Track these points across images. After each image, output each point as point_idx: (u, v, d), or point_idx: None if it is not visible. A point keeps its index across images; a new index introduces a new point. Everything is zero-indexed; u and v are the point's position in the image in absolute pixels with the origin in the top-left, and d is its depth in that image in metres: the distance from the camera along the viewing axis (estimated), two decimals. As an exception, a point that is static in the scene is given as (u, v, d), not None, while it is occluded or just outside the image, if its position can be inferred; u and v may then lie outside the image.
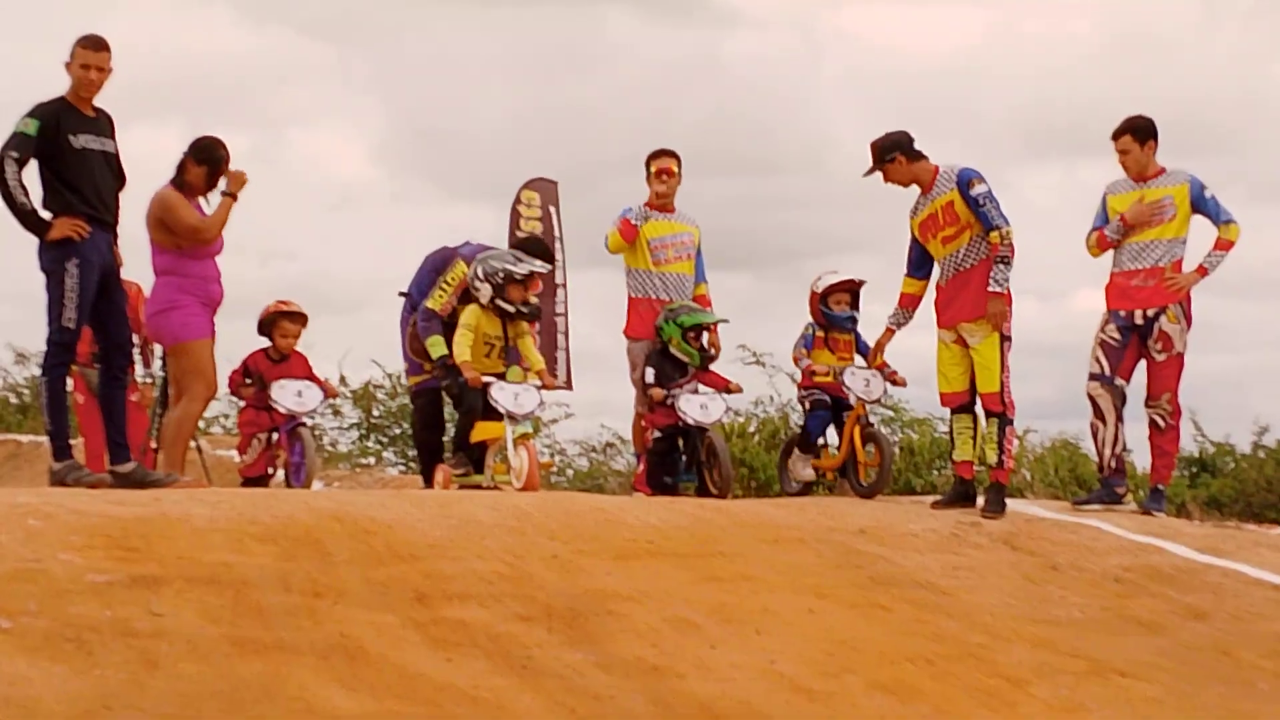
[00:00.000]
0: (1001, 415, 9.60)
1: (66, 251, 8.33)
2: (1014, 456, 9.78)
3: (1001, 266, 9.52)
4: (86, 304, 8.42)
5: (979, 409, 9.84)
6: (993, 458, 9.60)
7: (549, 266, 10.72)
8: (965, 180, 9.61)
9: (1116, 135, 10.15)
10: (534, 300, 10.53)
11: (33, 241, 8.42)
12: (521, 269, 10.25)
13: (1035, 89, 43.22)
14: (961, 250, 9.67)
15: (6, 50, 44.13)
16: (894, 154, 9.69)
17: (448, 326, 10.46)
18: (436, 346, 10.39)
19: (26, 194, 8.29)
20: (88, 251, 8.39)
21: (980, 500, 9.64)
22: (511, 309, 10.27)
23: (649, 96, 42.85)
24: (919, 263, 10.03)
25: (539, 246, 11.14)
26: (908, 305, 10.22)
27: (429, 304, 10.54)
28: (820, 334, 11.04)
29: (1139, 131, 10.08)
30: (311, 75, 46.30)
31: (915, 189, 9.87)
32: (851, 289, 11.04)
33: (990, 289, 9.51)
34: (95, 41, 8.56)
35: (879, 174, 9.79)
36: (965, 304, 9.64)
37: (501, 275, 10.20)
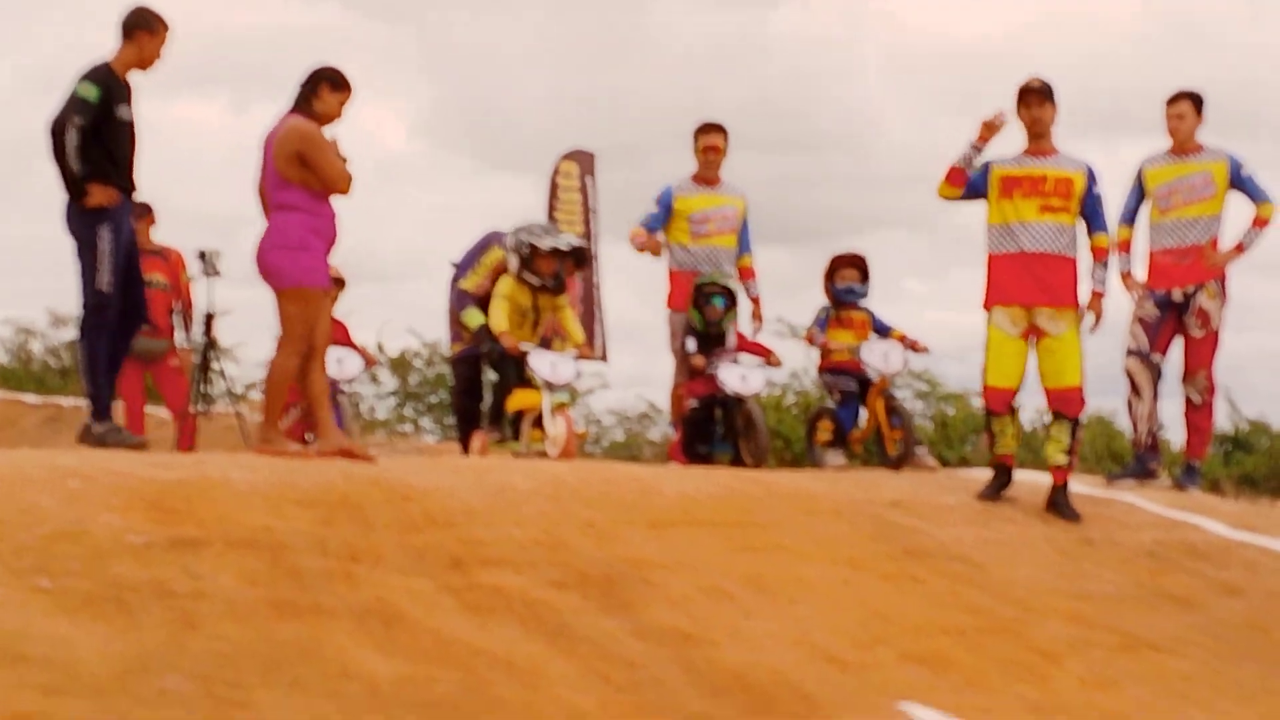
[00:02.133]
0: (1076, 418, 9.04)
1: (100, 217, 8.48)
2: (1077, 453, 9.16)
3: (1103, 270, 9.14)
4: (119, 268, 8.57)
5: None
6: (1061, 459, 9.00)
7: (578, 242, 10.70)
8: (1094, 174, 9.12)
9: (1174, 100, 10.08)
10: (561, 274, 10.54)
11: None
12: (546, 243, 10.26)
13: (1078, 70, 43.07)
14: (1057, 229, 8.98)
15: (55, 21, 44.39)
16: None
17: (481, 304, 10.54)
18: (473, 317, 10.49)
19: (81, 164, 8.41)
20: (118, 218, 8.57)
21: (1049, 504, 9.04)
22: (536, 282, 10.28)
23: (692, 74, 42.91)
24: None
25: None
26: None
27: (463, 284, 10.68)
28: (834, 314, 11.06)
29: (1198, 101, 10.04)
30: (357, 50, 46.52)
31: (1002, 146, 9.30)
32: (856, 264, 11.06)
33: (1095, 289, 9.08)
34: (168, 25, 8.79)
35: (1035, 101, 9.05)
36: (1055, 288, 8.94)
37: (528, 248, 10.23)
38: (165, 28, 8.72)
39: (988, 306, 9.05)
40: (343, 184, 7.98)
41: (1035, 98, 9.01)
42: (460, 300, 10.71)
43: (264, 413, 8.10)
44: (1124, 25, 45.42)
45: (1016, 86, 9.07)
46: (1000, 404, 9.04)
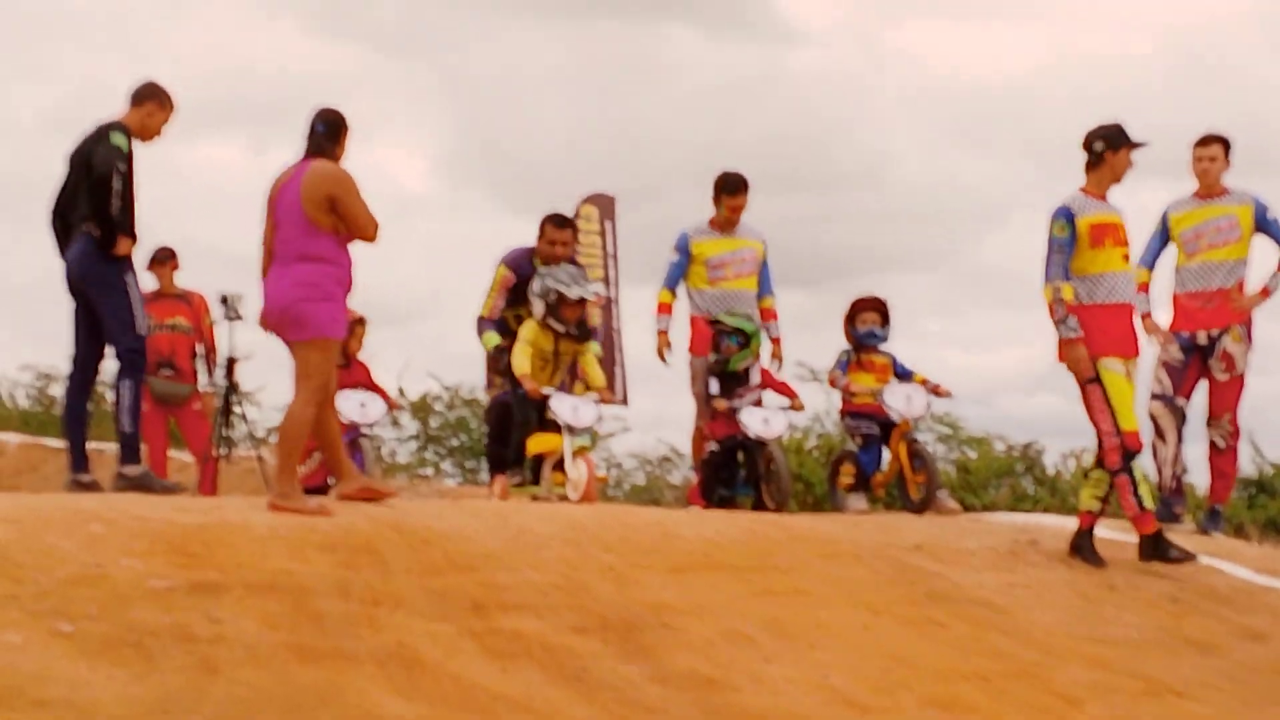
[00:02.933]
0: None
1: (124, 265, 8.69)
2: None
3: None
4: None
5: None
6: (1095, 505, 8.89)
7: (600, 293, 10.69)
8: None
9: (1204, 141, 10.05)
10: (593, 321, 10.54)
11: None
12: (574, 292, 10.23)
13: (1096, 110, 42.94)
14: (1132, 276, 8.97)
15: (78, 58, 44.63)
16: None
17: (502, 330, 10.53)
18: (490, 340, 10.48)
19: (118, 211, 8.55)
20: (134, 266, 8.73)
21: (1072, 548, 8.94)
22: (560, 329, 10.26)
23: (710, 112, 42.82)
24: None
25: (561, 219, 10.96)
26: None
27: (480, 312, 10.66)
28: (855, 357, 11.03)
29: (1227, 144, 10.01)
30: (375, 88, 46.49)
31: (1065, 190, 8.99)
32: (877, 307, 11.03)
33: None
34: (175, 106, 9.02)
35: (1133, 152, 8.84)
36: (1133, 337, 8.84)
37: (554, 295, 10.21)
38: (173, 107, 8.92)
39: (1095, 355, 8.64)
40: (373, 230, 7.73)
41: (1136, 149, 8.86)
42: (479, 327, 10.71)
43: (280, 465, 7.69)
44: (1143, 64, 45.30)
45: (1119, 129, 8.84)
46: (1140, 446, 8.76)
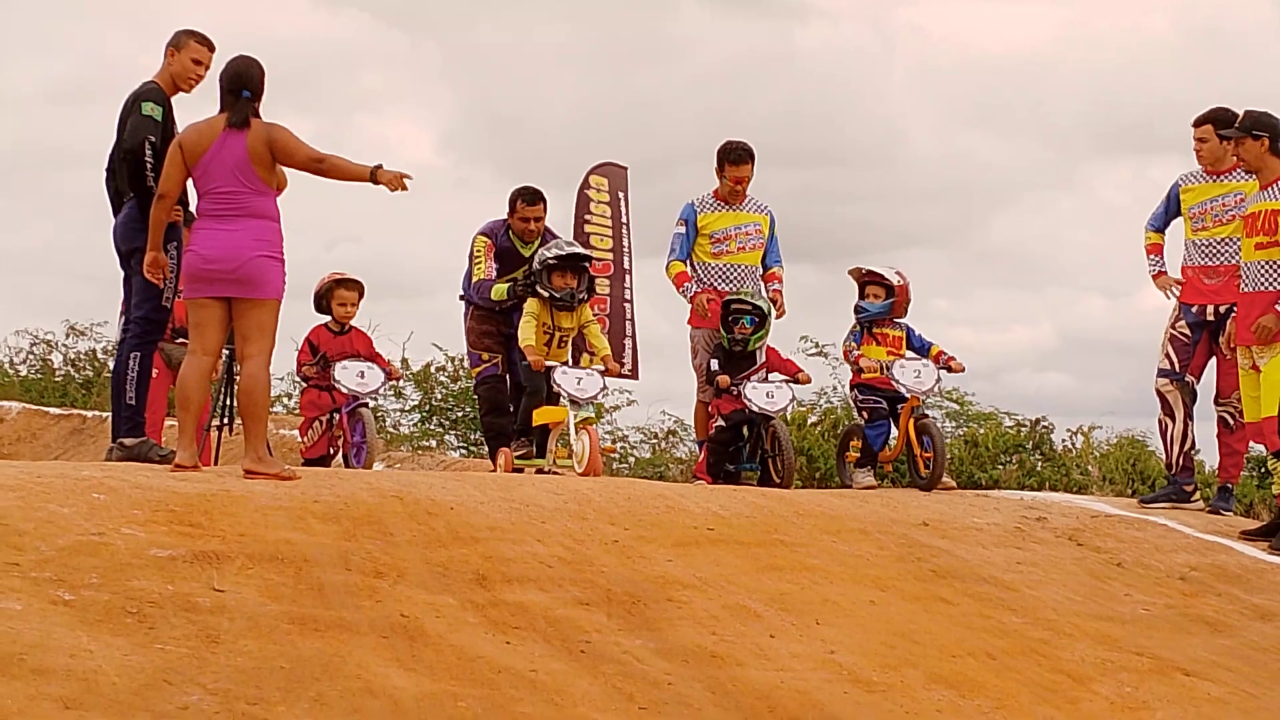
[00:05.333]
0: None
1: (168, 235, 8.54)
2: None
3: None
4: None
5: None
6: None
7: (578, 248, 10.61)
8: None
9: (1197, 122, 10.00)
10: (588, 287, 10.51)
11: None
12: (551, 253, 10.22)
13: (1107, 86, 42.80)
14: (1264, 265, 9.18)
15: (83, 30, 44.57)
16: (1264, 136, 9.15)
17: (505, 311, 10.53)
18: (499, 293, 10.48)
19: (156, 180, 8.47)
20: (179, 236, 8.64)
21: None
22: (545, 295, 10.22)
23: (720, 87, 42.73)
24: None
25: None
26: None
27: (474, 280, 10.65)
28: (867, 330, 10.94)
29: (1220, 123, 9.92)
30: (384, 61, 46.46)
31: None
32: (883, 281, 10.92)
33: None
34: (209, 41, 8.82)
35: (1233, 141, 9.37)
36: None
37: (539, 262, 10.21)
38: (199, 43, 8.76)
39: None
40: (314, 161, 7.91)
41: (1249, 130, 9.25)
42: (478, 289, 10.69)
43: (252, 430, 7.78)
44: (1157, 40, 45.14)
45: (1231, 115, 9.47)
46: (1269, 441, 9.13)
